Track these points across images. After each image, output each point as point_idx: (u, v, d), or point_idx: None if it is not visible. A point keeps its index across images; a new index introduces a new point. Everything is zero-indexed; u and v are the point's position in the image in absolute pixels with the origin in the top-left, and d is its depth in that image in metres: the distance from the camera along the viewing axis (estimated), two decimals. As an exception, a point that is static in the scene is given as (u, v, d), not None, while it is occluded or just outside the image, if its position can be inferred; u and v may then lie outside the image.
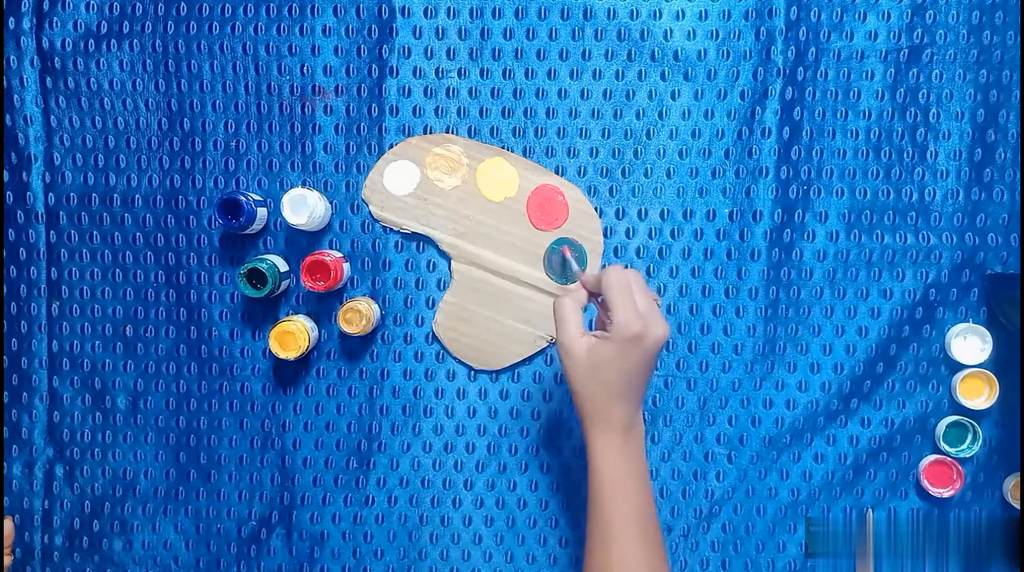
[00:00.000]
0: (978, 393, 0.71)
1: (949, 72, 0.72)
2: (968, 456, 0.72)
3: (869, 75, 0.72)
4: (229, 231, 0.72)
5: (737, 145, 0.72)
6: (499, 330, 0.73)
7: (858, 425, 0.73)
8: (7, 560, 0.73)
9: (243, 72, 0.73)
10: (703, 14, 0.72)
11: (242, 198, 0.68)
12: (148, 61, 0.73)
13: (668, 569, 0.60)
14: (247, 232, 0.71)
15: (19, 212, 0.73)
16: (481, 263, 0.73)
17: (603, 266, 0.73)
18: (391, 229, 0.73)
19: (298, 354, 0.69)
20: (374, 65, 0.73)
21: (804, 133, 0.72)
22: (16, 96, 0.73)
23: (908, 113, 0.72)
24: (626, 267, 0.59)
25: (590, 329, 0.64)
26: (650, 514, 0.60)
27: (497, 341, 0.73)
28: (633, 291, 0.57)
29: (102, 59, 0.73)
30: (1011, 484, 0.72)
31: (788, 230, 0.73)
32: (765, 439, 0.73)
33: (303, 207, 0.68)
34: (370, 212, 0.73)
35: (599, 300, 0.60)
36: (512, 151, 0.73)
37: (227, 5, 0.72)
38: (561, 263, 0.72)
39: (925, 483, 0.72)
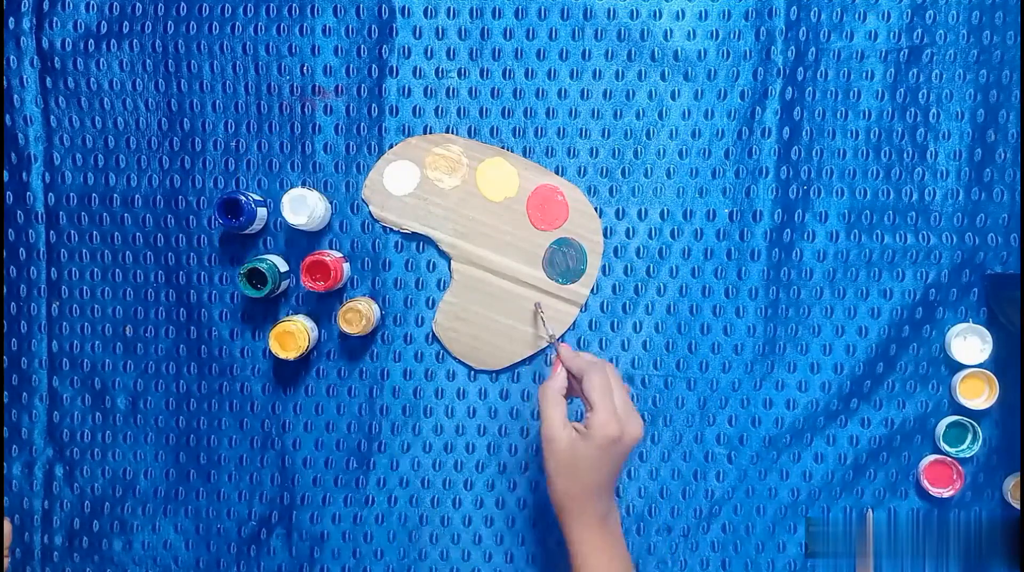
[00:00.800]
0: (978, 393, 0.71)
1: (949, 72, 0.72)
2: (968, 456, 0.72)
3: (869, 75, 0.72)
4: (229, 231, 0.72)
5: (737, 145, 0.72)
6: (499, 330, 0.73)
7: (858, 425, 0.73)
8: (5, 562, 0.73)
9: (243, 72, 0.73)
10: (703, 14, 0.72)
11: (242, 198, 0.68)
12: (148, 61, 0.73)
13: None
14: (247, 232, 0.71)
15: (19, 212, 0.73)
16: (481, 263, 0.73)
17: (603, 267, 0.73)
18: (391, 229, 0.73)
19: (298, 354, 0.69)
20: (374, 65, 0.73)
21: (804, 133, 0.72)
22: (16, 96, 0.73)
23: (908, 113, 0.72)
24: (610, 367, 0.62)
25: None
26: None
27: (497, 341, 0.73)
28: (613, 391, 0.60)
29: (102, 59, 0.73)
30: (1011, 484, 0.72)
31: (788, 230, 0.73)
32: (765, 439, 0.73)
33: (303, 207, 0.68)
34: (370, 212, 0.73)
35: (583, 394, 0.62)
36: (512, 151, 0.73)
37: (227, 5, 0.72)
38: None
39: (925, 483, 0.72)
